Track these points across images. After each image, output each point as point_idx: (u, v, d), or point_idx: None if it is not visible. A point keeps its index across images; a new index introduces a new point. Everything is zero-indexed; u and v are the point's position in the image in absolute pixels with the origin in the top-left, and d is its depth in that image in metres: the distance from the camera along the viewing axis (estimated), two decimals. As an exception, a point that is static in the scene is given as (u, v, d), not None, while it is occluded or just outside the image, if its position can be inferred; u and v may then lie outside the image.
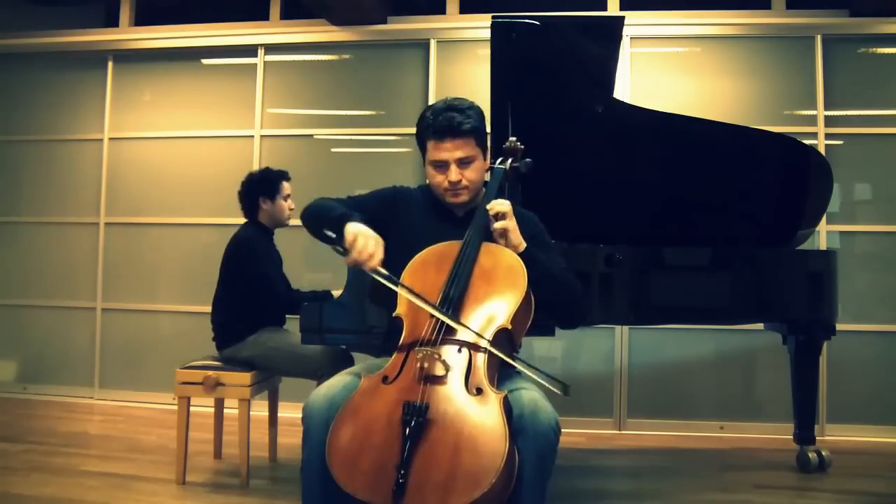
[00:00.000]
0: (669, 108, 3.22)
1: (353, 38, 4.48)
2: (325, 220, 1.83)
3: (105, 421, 4.11)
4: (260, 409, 3.33)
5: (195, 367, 2.94)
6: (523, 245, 1.86)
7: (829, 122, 4.08)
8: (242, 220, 3.20)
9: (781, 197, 3.20)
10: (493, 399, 1.55)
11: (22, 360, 4.80)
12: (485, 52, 3.17)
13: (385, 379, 1.63)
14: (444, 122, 1.88)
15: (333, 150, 4.56)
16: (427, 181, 2.06)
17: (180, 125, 4.68)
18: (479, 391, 1.57)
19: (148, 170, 4.70)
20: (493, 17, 2.78)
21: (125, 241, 4.71)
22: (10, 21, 4.88)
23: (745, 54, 4.20)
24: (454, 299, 1.71)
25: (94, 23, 4.96)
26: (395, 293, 1.75)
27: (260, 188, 3.14)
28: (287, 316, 3.17)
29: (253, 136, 4.55)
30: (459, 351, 1.64)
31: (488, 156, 2.01)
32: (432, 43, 4.38)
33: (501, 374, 1.72)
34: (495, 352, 1.64)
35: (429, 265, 1.82)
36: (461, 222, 1.93)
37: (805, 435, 3.15)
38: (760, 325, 3.57)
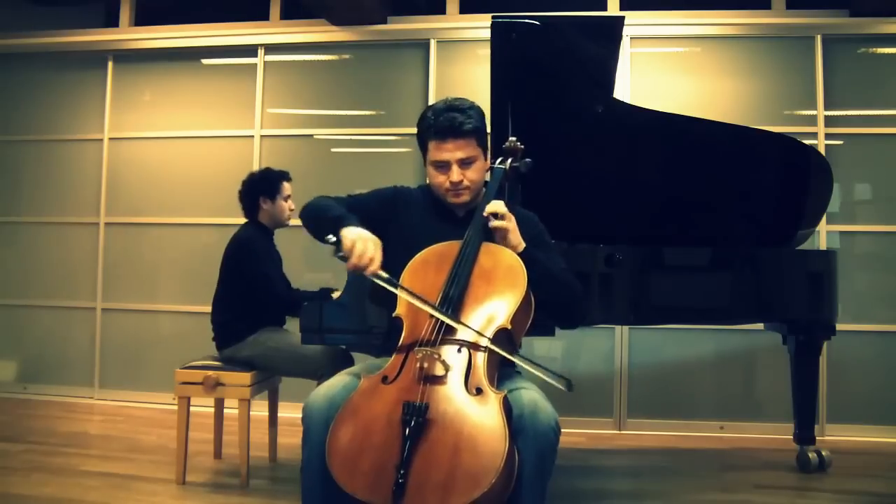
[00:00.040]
0: (669, 108, 3.22)
1: (353, 38, 4.48)
2: (322, 220, 1.83)
3: (105, 421, 4.11)
4: (260, 409, 3.33)
5: (195, 367, 2.94)
6: (522, 245, 1.86)
7: (829, 122, 4.08)
8: (242, 220, 3.20)
9: (781, 197, 3.20)
10: (493, 399, 1.55)
11: (22, 360, 4.80)
12: (485, 52, 3.17)
13: (385, 379, 1.63)
14: (445, 122, 1.87)
15: (333, 150, 4.56)
16: (427, 181, 2.06)
17: (180, 125, 4.68)
18: (479, 391, 1.57)
19: (148, 170, 4.70)
20: (493, 17, 2.78)
21: (125, 241, 4.71)
22: (10, 21, 4.88)
23: (745, 54, 4.20)
24: (454, 299, 1.71)
25: (94, 23, 4.96)
26: (395, 293, 1.75)
27: (260, 188, 3.15)
28: (287, 316, 3.17)
29: (253, 136, 4.55)
30: (459, 351, 1.64)
31: (489, 156, 2.01)
32: (432, 43, 4.38)
33: (501, 374, 1.72)
34: (496, 349, 1.64)
35: (429, 265, 1.82)
36: (461, 222, 1.93)
37: (805, 435, 3.15)
38: (760, 325, 3.57)
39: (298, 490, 1.69)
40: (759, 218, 3.16)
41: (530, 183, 2.49)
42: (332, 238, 1.74)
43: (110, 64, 4.76)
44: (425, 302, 1.69)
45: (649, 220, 3.08)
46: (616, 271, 2.84)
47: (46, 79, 4.87)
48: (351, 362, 2.81)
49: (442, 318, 1.66)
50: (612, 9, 4.28)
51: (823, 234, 4.02)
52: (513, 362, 1.68)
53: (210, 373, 2.89)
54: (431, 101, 4.12)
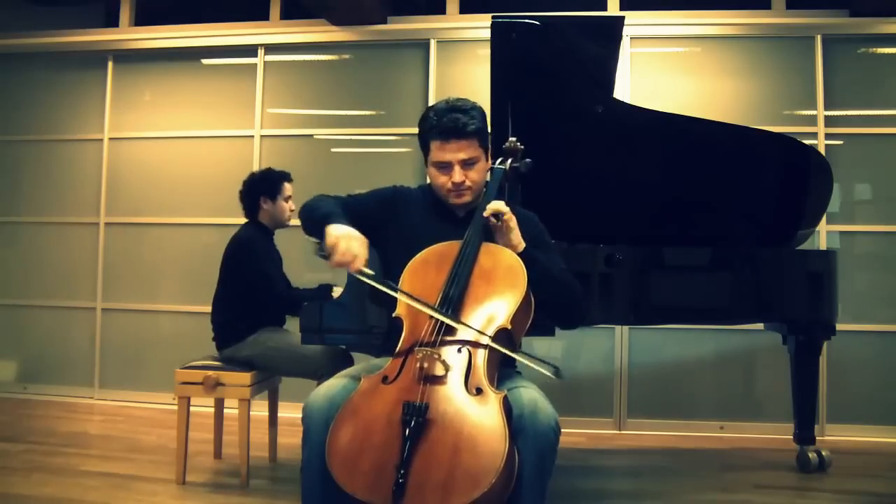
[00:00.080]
0: (669, 108, 3.22)
1: (353, 38, 4.48)
2: (311, 220, 1.83)
3: (105, 421, 4.11)
4: (260, 409, 3.33)
5: (195, 367, 2.94)
6: (522, 245, 1.86)
7: (829, 122, 4.08)
8: (243, 220, 3.21)
9: (781, 197, 3.20)
10: (493, 399, 1.55)
11: (22, 360, 4.80)
12: (485, 52, 3.17)
13: (385, 379, 1.63)
14: (448, 123, 1.87)
15: (333, 150, 4.56)
16: (428, 181, 2.06)
17: (180, 125, 4.68)
18: (479, 391, 1.57)
19: (148, 170, 4.70)
20: (493, 17, 2.78)
21: (125, 241, 4.71)
22: (10, 21, 4.88)
23: (745, 54, 4.20)
24: (454, 299, 1.71)
25: (94, 23, 4.96)
26: (396, 293, 1.75)
27: (261, 188, 3.15)
28: (287, 316, 3.17)
29: (253, 136, 4.55)
30: (459, 351, 1.64)
31: (490, 156, 2.01)
32: (432, 43, 4.38)
33: (501, 374, 1.72)
34: (496, 346, 1.64)
35: (429, 265, 1.82)
36: (462, 222, 1.93)
37: (805, 435, 3.15)
38: (760, 325, 3.57)
39: (298, 490, 1.69)
40: (759, 218, 3.16)
41: (530, 183, 2.49)
42: (314, 239, 1.74)
43: (110, 64, 4.76)
44: (418, 300, 1.69)
45: (649, 221, 3.08)
46: (616, 271, 2.84)
47: (46, 79, 4.87)
48: (351, 362, 2.81)
49: (439, 316, 1.66)
50: (612, 9, 4.28)
51: (823, 234, 4.02)
52: (513, 362, 1.68)
53: (210, 373, 2.89)
54: (431, 101, 4.13)
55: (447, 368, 1.60)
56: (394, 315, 1.77)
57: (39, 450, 3.34)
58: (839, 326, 3.18)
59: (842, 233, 4.08)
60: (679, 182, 3.06)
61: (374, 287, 1.77)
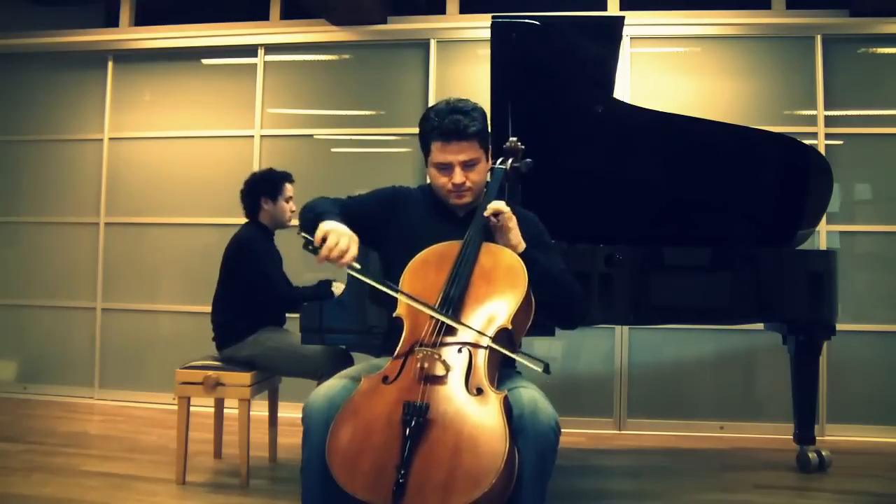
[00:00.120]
0: (669, 108, 3.22)
1: (353, 38, 4.48)
2: (307, 220, 1.82)
3: (105, 421, 4.11)
4: (260, 409, 3.33)
5: (195, 367, 2.94)
6: (523, 246, 1.86)
7: (829, 122, 4.08)
8: (243, 220, 3.21)
9: (781, 197, 3.20)
10: (494, 399, 1.55)
11: (22, 360, 4.80)
12: (485, 52, 3.17)
13: (385, 379, 1.63)
14: (449, 124, 1.86)
15: (333, 150, 4.56)
16: (428, 181, 2.06)
17: (180, 125, 4.68)
18: (480, 391, 1.57)
19: (148, 170, 4.70)
20: (493, 17, 2.78)
21: (125, 241, 4.71)
22: (10, 21, 4.88)
23: (745, 54, 4.20)
24: (454, 299, 1.71)
25: (94, 23, 4.96)
26: (391, 290, 1.75)
27: (262, 188, 3.15)
28: (287, 315, 3.17)
29: (253, 136, 4.55)
30: (460, 351, 1.64)
31: (490, 156, 2.01)
32: (432, 43, 4.38)
33: (502, 374, 1.73)
34: (496, 347, 1.64)
35: (429, 265, 1.82)
36: (462, 222, 1.93)
37: (805, 435, 3.15)
38: (760, 325, 3.57)
39: (298, 490, 1.69)
40: (759, 218, 3.16)
41: (530, 183, 2.49)
42: (304, 235, 1.72)
43: (110, 64, 4.76)
44: (433, 308, 1.68)
45: (649, 220, 3.08)
46: (616, 271, 2.84)
47: (46, 79, 4.87)
48: (351, 362, 2.81)
49: (437, 316, 1.66)
50: (612, 9, 4.28)
51: (823, 234, 4.02)
52: (513, 362, 1.68)
53: (210, 373, 2.89)
54: (431, 102, 4.13)
55: (448, 368, 1.60)
56: (394, 315, 1.77)
57: (39, 450, 3.34)
58: (839, 326, 3.18)
59: (842, 233, 4.08)
60: (679, 182, 3.06)
61: (373, 287, 1.76)
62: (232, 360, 2.97)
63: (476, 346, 1.65)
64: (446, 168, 1.91)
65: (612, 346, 4.11)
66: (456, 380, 1.59)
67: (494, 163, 2.03)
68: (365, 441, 1.52)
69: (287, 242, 3.36)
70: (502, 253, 1.82)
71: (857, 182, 4.15)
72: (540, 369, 1.58)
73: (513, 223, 1.85)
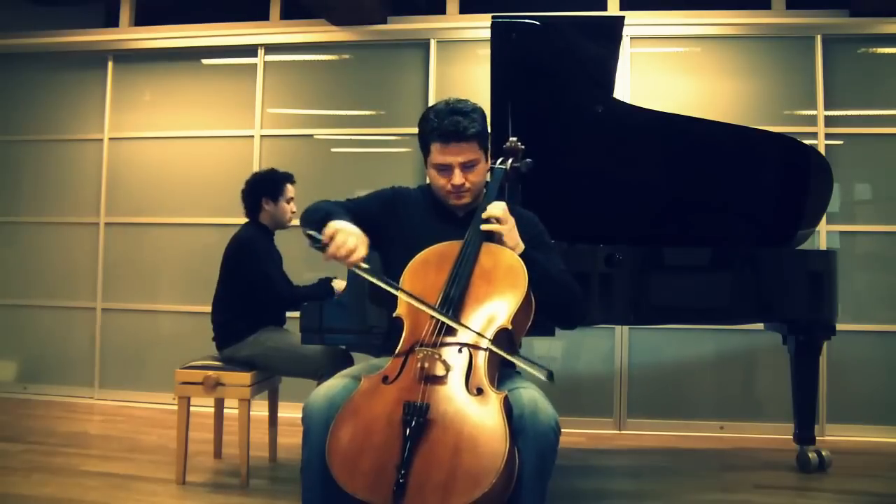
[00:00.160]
0: (669, 108, 3.22)
1: (353, 38, 4.48)
2: (310, 222, 1.82)
3: (105, 421, 4.11)
4: (260, 409, 3.33)
5: (195, 367, 2.94)
6: (521, 247, 1.86)
7: (829, 122, 4.08)
8: (243, 220, 3.20)
9: (781, 197, 3.20)
10: (494, 399, 1.55)
11: (22, 360, 4.80)
12: (485, 52, 3.17)
13: (385, 379, 1.63)
14: (449, 126, 1.86)
15: (333, 150, 4.56)
16: (428, 181, 2.06)
17: (180, 125, 4.68)
18: (480, 391, 1.57)
19: (148, 170, 4.70)
20: (493, 17, 2.78)
21: (125, 241, 4.71)
22: (10, 21, 4.88)
23: (745, 54, 4.20)
24: (455, 299, 1.71)
25: (94, 23, 4.96)
26: (395, 290, 1.75)
27: (263, 188, 3.14)
28: (287, 315, 3.17)
29: (253, 136, 4.55)
30: (460, 351, 1.64)
31: (489, 156, 2.01)
32: (432, 43, 4.38)
33: (502, 374, 1.72)
34: (495, 349, 1.64)
35: (429, 265, 1.82)
36: (462, 222, 1.93)
37: (805, 435, 3.15)
38: (760, 325, 3.57)
39: (298, 490, 1.69)
40: (759, 218, 3.16)
41: (530, 183, 2.49)
42: (311, 232, 1.72)
43: (110, 64, 4.76)
44: (416, 299, 1.69)
45: (649, 220, 3.08)
46: (616, 271, 2.84)
47: (46, 79, 4.87)
48: (351, 362, 2.81)
49: (438, 316, 1.66)
50: (612, 9, 4.28)
51: (823, 234, 4.02)
52: (513, 363, 1.67)
53: (210, 373, 2.89)
54: (431, 102, 4.13)
55: (448, 368, 1.60)
56: (394, 315, 1.77)
57: (39, 450, 3.34)
58: (839, 326, 3.18)
59: (842, 233, 4.08)
60: (679, 182, 3.06)
61: (374, 287, 1.77)
62: (232, 360, 2.97)
63: (476, 346, 1.65)
64: (446, 169, 1.91)
65: (612, 346, 4.11)
66: (456, 380, 1.59)
67: (494, 163, 2.03)
68: (365, 441, 1.52)
69: (287, 242, 3.36)
70: (502, 253, 1.82)
71: (857, 182, 4.15)
72: (543, 377, 1.58)
73: (507, 227, 1.84)
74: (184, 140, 4.66)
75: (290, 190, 3.18)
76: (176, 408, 2.92)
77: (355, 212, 1.90)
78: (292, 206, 3.18)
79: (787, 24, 4.13)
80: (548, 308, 1.86)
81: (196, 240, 4.59)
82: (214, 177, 4.56)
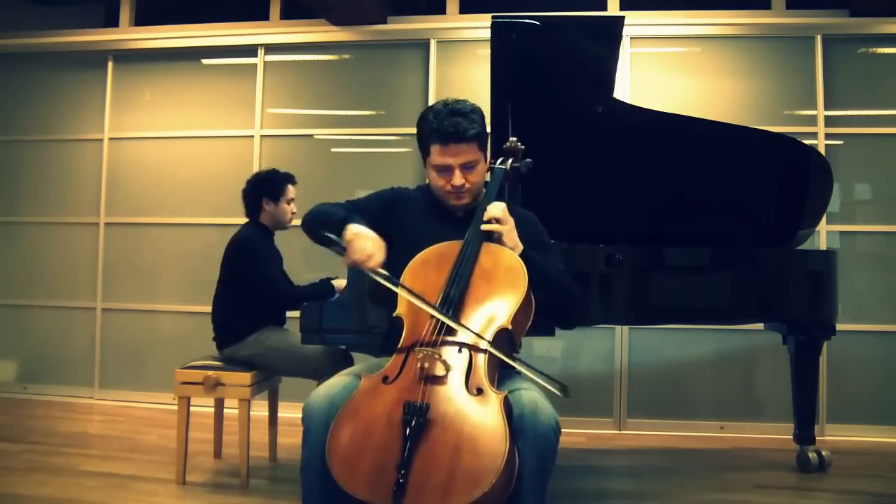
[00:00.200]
0: (669, 108, 3.22)
1: (353, 38, 4.48)
2: (326, 224, 1.84)
3: (105, 421, 4.11)
4: (260, 409, 3.33)
5: (195, 367, 2.94)
6: (520, 247, 1.86)
7: (829, 122, 4.08)
8: (243, 220, 3.20)
9: (781, 197, 3.20)
10: (494, 399, 1.55)
11: (22, 360, 4.80)
12: (485, 52, 3.17)
13: (385, 379, 1.63)
14: (449, 127, 1.86)
15: (333, 150, 4.56)
16: (427, 182, 2.06)
17: (180, 125, 4.68)
18: (480, 391, 1.57)
19: (148, 170, 4.70)
20: (493, 17, 2.78)
21: (125, 241, 4.71)
22: (10, 21, 4.88)
23: (745, 54, 4.20)
24: (454, 299, 1.71)
25: (94, 23, 4.96)
26: (395, 293, 1.75)
27: (264, 189, 3.14)
28: (287, 315, 3.17)
29: (253, 136, 4.55)
30: (460, 351, 1.64)
31: (488, 156, 2.01)
32: (432, 43, 4.38)
33: (502, 374, 1.72)
34: (495, 352, 1.64)
35: (429, 265, 1.82)
36: (461, 222, 1.93)
37: (805, 435, 3.15)
38: (760, 325, 3.57)
39: (298, 490, 1.69)
40: (759, 218, 3.16)
41: (530, 183, 2.49)
42: (330, 234, 1.76)
43: (110, 64, 4.76)
44: (426, 302, 1.69)
45: (649, 220, 3.08)
46: (616, 271, 2.84)
47: (46, 79, 4.87)
48: (351, 362, 2.81)
49: (443, 318, 1.66)
50: (612, 9, 4.28)
51: (823, 234, 4.02)
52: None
53: (210, 373, 2.89)
54: (431, 102, 4.12)
55: (448, 368, 1.60)
56: (394, 315, 1.77)
57: (39, 450, 3.34)
58: (839, 326, 3.18)
59: (842, 233, 4.08)
60: (679, 182, 3.06)
61: (374, 286, 1.77)
62: (232, 360, 2.97)
63: (476, 346, 1.65)
64: (446, 170, 1.91)
65: (612, 346, 4.11)
66: (456, 380, 1.59)
67: (494, 163, 2.03)
68: (365, 441, 1.52)
69: (287, 242, 3.36)
70: (502, 253, 1.82)
71: (857, 182, 4.15)
72: (558, 392, 1.58)
73: (506, 228, 1.84)
74: (184, 140, 4.66)
75: (290, 191, 3.18)
76: (176, 408, 2.92)
77: (358, 214, 1.91)
78: (293, 206, 3.18)
79: (787, 24, 4.13)
80: (547, 308, 1.86)
81: (196, 240, 4.59)
82: (214, 177, 4.56)
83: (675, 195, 3.07)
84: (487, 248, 1.83)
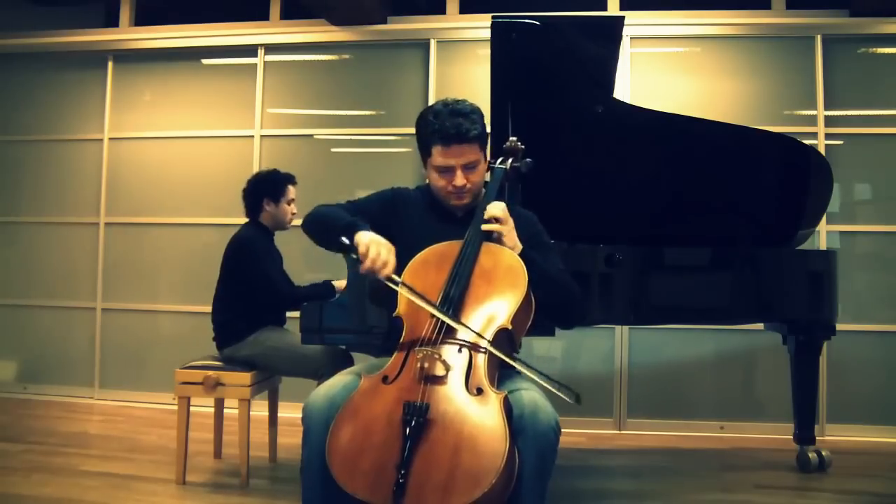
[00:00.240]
0: (669, 108, 3.22)
1: (353, 38, 4.48)
2: (332, 229, 1.84)
3: (105, 421, 4.11)
4: (260, 409, 3.33)
5: (195, 367, 2.94)
6: (520, 247, 1.86)
7: (829, 122, 4.08)
8: (243, 220, 3.20)
9: (781, 197, 3.20)
10: (494, 399, 1.55)
11: (22, 360, 4.80)
12: (485, 52, 3.17)
13: (385, 379, 1.63)
14: (451, 128, 1.86)
15: (333, 150, 4.56)
16: (427, 182, 2.06)
17: (180, 125, 4.68)
18: (480, 391, 1.57)
19: (148, 170, 4.70)
20: (493, 17, 2.78)
21: (125, 241, 4.71)
22: (10, 21, 4.88)
23: (745, 54, 4.20)
24: (454, 299, 1.71)
25: (94, 23, 4.96)
26: (395, 293, 1.75)
27: (265, 189, 3.14)
28: (287, 315, 3.17)
29: (253, 136, 4.55)
30: (460, 351, 1.64)
31: (487, 156, 2.01)
32: (432, 43, 4.38)
33: (502, 374, 1.72)
34: (496, 353, 1.64)
35: (429, 265, 1.82)
36: (461, 222, 1.93)
37: (805, 435, 3.15)
38: (760, 325, 3.57)
39: (298, 490, 1.69)
40: (759, 218, 3.16)
41: (530, 183, 2.49)
42: (346, 241, 1.77)
43: (110, 64, 4.76)
44: (427, 301, 1.69)
45: (649, 220, 3.08)
46: (616, 271, 2.84)
47: (46, 79, 4.87)
48: (351, 362, 2.81)
49: (445, 319, 1.66)
50: (612, 9, 4.28)
51: (823, 234, 4.02)
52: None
53: (210, 373, 2.89)
54: (431, 102, 4.12)
55: (448, 368, 1.60)
56: (394, 315, 1.77)
57: (39, 450, 3.34)
58: (839, 326, 3.18)
59: (842, 233, 4.08)
60: (679, 182, 3.06)
61: (374, 288, 1.77)
62: (232, 360, 2.97)
63: (476, 346, 1.65)
64: (448, 171, 1.91)
65: (612, 346, 4.11)
66: (456, 380, 1.59)
67: (494, 162, 2.03)
68: (365, 441, 1.52)
69: (287, 242, 3.36)
70: (502, 253, 1.82)
71: (857, 182, 4.15)
72: (571, 400, 1.58)
73: (507, 227, 1.84)
74: (184, 140, 4.66)
75: (291, 191, 3.18)
76: (176, 408, 2.92)
77: (359, 215, 1.91)
78: (293, 207, 3.18)
79: (787, 24, 4.13)
80: (547, 308, 1.86)
81: (196, 240, 4.59)
82: (214, 177, 4.56)
83: (675, 195, 3.07)
84: (487, 248, 1.83)
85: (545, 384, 1.60)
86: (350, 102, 4.54)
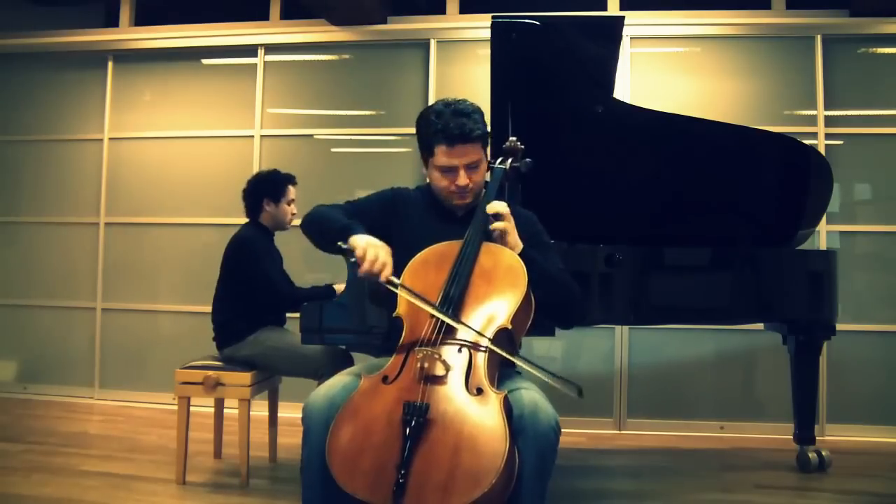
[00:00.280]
0: (669, 108, 3.22)
1: (353, 38, 4.48)
2: (328, 231, 1.84)
3: (105, 421, 4.11)
4: (260, 409, 3.33)
5: (195, 367, 2.94)
6: (520, 246, 1.86)
7: (829, 122, 4.08)
8: (243, 220, 3.20)
9: (781, 197, 3.20)
10: (494, 399, 1.55)
11: (22, 360, 4.80)
12: (485, 52, 3.17)
13: (385, 379, 1.63)
14: (455, 129, 1.86)
15: (333, 150, 4.56)
16: (427, 181, 2.06)
17: (180, 125, 4.68)
18: (480, 391, 1.57)
19: (148, 170, 4.70)
20: (493, 17, 2.78)
21: (125, 241, 4.71)
22: (10, 21, 4.88)
23: (745, 54, 4.20)
24: (454, 298, 1.71)
25: (94, 23, 4.96)
26: (395, 293, 1.75)
27: (265, 189, 3.14)
28: (287, 315, 3.17)
29: (253, 136, 4.55)
30: (460, 351, 1.64)
31: (487, 155, 2.01)
32: (432, 43, 4.38)
33: (502, 374, 1.72)
34: (497, 349, 1.64)
35: (429, 265, 1.82)
36: (461, 222, 1.93)
37: (805, 435, 3.15)
38: (760, 325, 3.57)
39: (298, 490, 1.69)
40: (759, 218, 3.16)
41: (530, 183, 2.49)
42: (343, 244, 1.77)
43: (110, 64, 4.76)
44: (427, 302, 1.69)
45: (649, 220, 3.08)
46: (616, 271, 2.84)
47: (46, 79, 4.87)
48: (351, 362, 2.81)
49: (445, 319, 1.66)
50: (612, 9, 4.28)
51: (823, 234, 4.02)
52: (513, 362, 1.68)
53: (210, 373, 2.89)
54: (431, 102, 4.12)
55: (448, 368, 1.60)
56: (394, 315, 1.77)
57: (39, 450, 3.34)
58: (839, 326, 3.18)
59: (842, 233, 4.08)
60: (679, 182, 3.06)
61: (373, 288, 1.77)
62: (232, 360, 2.97)
63: (476, 346, 1.65)
64: (451, 171, 1.91)
65: (612, 346, 4.11)
66: (456, 379, 1.59)
67: (494, 162, 2.03)
68: (365, 441, 1.52)
69: (287, 243, 3.36)
70: (502, 252, 1.82)
71: (857, 182, 4.15)
72: (574, 394, 1.58)
73: (510, 225, 1.85)
74: (184, 140, 4.66)
75: (291, 191, 3.18)
76: (176, 408, 2.92)
77: (359, 216, 1.91)
78: (293, 207, 3.18)
79: (787, 24, 4.13)
80: (547, 308, 1.86)
81: (196, 240, 4.60)
82: (214, 177, 4.56)
83: (675, 195, 3.07)
84: (487, 248, 1.83)
85: (546, 378, 1.59)
86: (350, 102, 4.54)
